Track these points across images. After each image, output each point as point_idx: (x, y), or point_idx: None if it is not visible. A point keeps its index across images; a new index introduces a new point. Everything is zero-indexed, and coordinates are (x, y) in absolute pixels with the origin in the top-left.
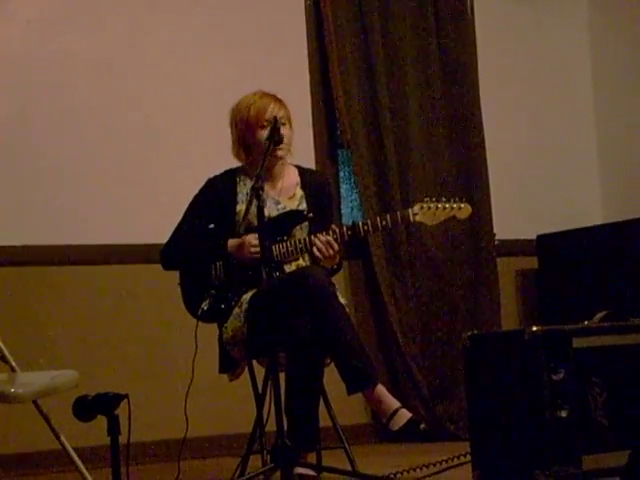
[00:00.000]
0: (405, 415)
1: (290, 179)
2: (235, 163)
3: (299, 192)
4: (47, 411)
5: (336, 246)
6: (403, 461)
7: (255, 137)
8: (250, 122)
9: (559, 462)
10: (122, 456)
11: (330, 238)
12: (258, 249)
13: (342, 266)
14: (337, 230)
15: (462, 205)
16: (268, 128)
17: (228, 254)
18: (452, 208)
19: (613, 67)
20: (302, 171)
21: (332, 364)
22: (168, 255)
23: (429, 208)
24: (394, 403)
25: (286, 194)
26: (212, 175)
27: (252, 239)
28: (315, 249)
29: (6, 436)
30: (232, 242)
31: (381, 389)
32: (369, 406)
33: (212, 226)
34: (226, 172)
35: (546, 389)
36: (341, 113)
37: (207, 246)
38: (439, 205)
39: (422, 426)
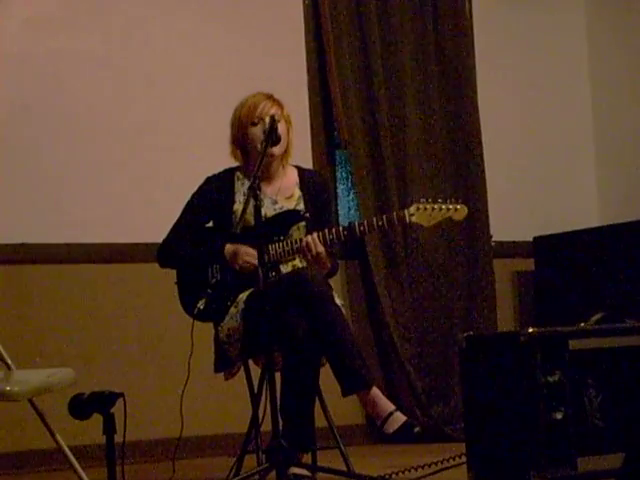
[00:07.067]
0: (400, 419)
1: (289, 179)
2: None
3: (297, 192)
4: (43, 409)
5: (321, 248)
6: (398, 462)
7: (247, 134)
8: (242, 119)
9: (554, 464)
10: (117, 455)
11: (317, 241)
12: (251, 261)
13: (338, 268)
14: (326, 234)
15: (458, 206)
16: (260, 125)
17: (224, 259)
18: (448, 209)
19: (611, 70)
20: (301, 172)
21: (327, 364)
22: (164, 254)
23: (425, 209)
24: (389, 406)
25: (284, 194)
26: (211, 174)
27: (247, 250)
28: (303, 244)
29: (1, 434)
30: (229, 248)
31: (376, 392)
32: (364, 409)
33: (210, 224)
34: (225, 171)
35: (542, 391)
36: (339, 113)
37: (204, 250)
38: (435, 206)
39: (416, 429)
